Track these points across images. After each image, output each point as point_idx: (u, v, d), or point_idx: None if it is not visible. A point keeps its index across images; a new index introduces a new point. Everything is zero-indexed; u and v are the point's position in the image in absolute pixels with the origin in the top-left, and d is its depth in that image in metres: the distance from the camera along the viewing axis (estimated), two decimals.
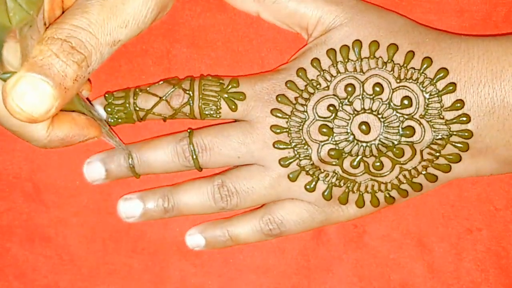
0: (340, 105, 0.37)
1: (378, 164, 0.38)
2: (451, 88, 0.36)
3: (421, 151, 0.37)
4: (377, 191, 0.39)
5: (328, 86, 0.38)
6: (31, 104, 0.28)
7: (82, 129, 0.35)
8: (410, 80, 0.37)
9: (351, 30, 0.38)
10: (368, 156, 0.38)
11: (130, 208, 0.41)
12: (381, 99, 0.37)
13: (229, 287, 0.43)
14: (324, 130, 0.37)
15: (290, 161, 0.38)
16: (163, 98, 0.39)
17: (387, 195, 0.39)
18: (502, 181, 0.42)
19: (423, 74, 0.37)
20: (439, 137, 0.37)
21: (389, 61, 0.37)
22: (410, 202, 0.42)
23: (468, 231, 0.42)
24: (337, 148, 0.38)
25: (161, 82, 0.40)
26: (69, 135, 0.34)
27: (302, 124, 0.38)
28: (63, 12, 0.33)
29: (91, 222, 0.43)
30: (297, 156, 0.38)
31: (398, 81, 0.37)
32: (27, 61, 0.29)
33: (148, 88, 0.40)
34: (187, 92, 0.39)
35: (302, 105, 0.38)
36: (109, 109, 0.40)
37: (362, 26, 0.38)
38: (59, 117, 0.34)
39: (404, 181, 0.38)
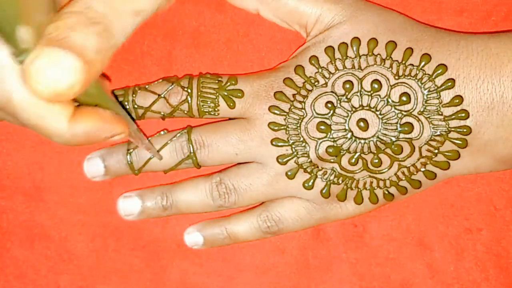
0: (338, 102, 0.37)
1: (376, 161, 0.37)
2: (449, 84, 0.36)
3: (420, 148, 0.37)
4: (375, 188, 0.38)
5: (326, 83, 0.38)
6: (53, 78, 0.26)
7: (107, 123, 0.32)
8: (409, 77, 0.37)
9: (350, 28, 0.38)
10: (367, 153, 0.37)
11: (129, 205, 0.42)
12: (379, 95, 0.37)
13: (229, 286, 0.43)
14: (322, 127, 0.37)
15: (288, 158, 0.38)
16: (162, 95, 0.39)
17: (386, 192, 0.38)
18: (502, 181, 0.42)
19: (421, 71, 0.36)
20: (438, 133, 0.36)
21: (387, 58, 0.37)
22: (410, 201, 0.41)
23: (468, 231, 0.42)
24: (335, 145, 0.37)
25: (160, 80, 0.40)
26: (93, 129, 0.31)
27: (300, 121, 0.38)
28: None
29: (91, 221, 0.43)
30: (295, 153, 0.38)
31: (396, 77, 0.37)
32: (42, 38, 0.26)
33: (147, 86, 0.40)
34: (186, 89, 0.39)
35: (300, 102, 0.38)
36: None
37: (361, 24, 0.38)
38: (81, 110, 0.31)
39: (403, 178, 0.38)
